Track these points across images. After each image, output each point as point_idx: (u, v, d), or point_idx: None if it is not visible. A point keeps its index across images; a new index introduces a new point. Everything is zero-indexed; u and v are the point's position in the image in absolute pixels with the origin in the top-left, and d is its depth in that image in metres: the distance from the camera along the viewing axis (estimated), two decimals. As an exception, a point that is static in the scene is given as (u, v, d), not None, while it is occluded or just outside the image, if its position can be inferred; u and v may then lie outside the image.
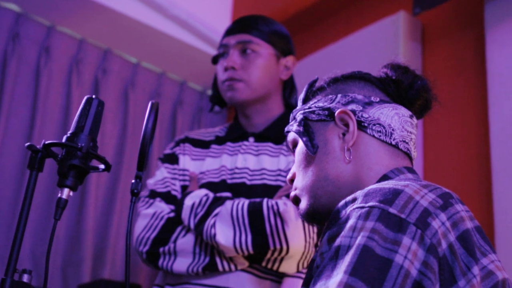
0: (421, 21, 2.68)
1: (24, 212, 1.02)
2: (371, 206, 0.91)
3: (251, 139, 1.90)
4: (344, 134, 1.12)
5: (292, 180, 1.20)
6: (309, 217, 1.14)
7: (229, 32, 1.92)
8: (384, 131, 1.11)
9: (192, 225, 1.75)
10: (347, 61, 2.73)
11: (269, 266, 1.73)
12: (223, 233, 1.69)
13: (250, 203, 1.72)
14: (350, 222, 0.91)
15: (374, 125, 1.11)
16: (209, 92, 3.31)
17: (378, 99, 1.13)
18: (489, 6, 2.37)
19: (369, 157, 1.10)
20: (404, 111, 1.14)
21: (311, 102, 1.18)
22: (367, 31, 2.74)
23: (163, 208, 1.82)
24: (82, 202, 2.95)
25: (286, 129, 1.22)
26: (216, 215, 1.72)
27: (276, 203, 1.70)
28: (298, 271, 1.76)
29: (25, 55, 2.94)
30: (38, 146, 1.06)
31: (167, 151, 1.97)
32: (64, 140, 1.07)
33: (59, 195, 1.06)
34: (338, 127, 1.12)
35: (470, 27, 2.52)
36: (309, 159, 1.14)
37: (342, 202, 0.97)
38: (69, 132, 1.08)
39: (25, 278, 1.01)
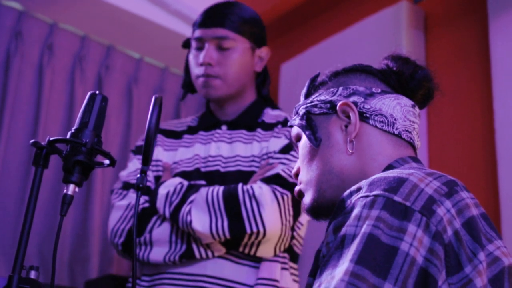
0: (424, 10, 2.67)
1: (30, 209, 1.03)
2: (376, 195, 0.91)
3: (224, 127, 1.91)
4: (346, 126, 1.12)
5: (297, 175, 1.20)
6: (314, 211, 1.15)
7: (204, 24, 1.89)
8: (386, 121, 1.11)
9: (167, 214, 1.74)
10: (350, 52, 2.73)
11: (246, 251, 1.73)
12: (199, 219, 1.68)
13: (225, 188, 1.72)
14: (355, 211, 0.91)
15: (376, 115, 1.11)
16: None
17: (379, 90, 1.14)
18: (491, -7, 2.36)
19: (372, 147, 1.10)
20: (406, 101, 1.14)
21: (313, 96, 1.19)
22: (370, 21, 2.73)
23: None
24: (88, 199, 2.96)
25: (289, 123, 1.22)
26: (191, 202, 1.72)
27: (251, 187, 1.71)
28: (275, 255, 1.76)
29: (28, 53, 2.94)
30: (42, 143, 1.06)
31: (139, 142, 1.98)
32: (68, 136, 1.08)
33: (65, 191, 1.06)
34: (341, 119, 1.13)
35: (473, 14, 2.50)
36: (313, 152, 1.14)
37: (347, 192, 0.97)
38: (74, 128, 1.08)
39: (32, 274, 1.01)
